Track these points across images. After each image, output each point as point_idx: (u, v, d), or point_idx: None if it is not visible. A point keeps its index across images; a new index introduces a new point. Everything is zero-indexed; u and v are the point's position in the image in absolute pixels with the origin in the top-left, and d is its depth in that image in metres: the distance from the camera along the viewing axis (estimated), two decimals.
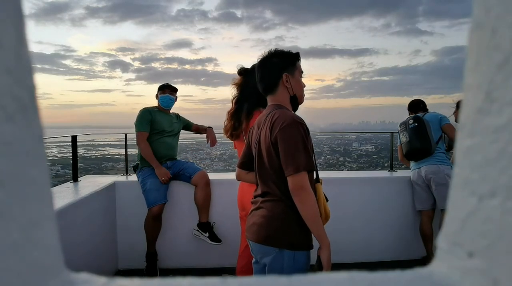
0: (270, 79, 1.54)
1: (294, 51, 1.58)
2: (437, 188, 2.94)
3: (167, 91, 3.05)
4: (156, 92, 3.10)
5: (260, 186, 1.54)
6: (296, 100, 1.57)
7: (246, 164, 1.70)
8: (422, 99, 3.29)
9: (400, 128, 3.18)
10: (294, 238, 1.42)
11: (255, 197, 1.58)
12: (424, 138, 2.95)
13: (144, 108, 3.04)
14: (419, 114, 3.15)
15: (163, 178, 2.85)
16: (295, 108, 1.59)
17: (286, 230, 1.42)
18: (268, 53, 1.57)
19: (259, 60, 1.59)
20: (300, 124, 1.40)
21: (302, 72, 1.60)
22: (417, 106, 3.28)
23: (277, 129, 1.40)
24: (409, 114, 3.29)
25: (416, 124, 3.00)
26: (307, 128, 1.43)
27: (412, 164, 3.20)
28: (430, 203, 3.08)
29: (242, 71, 1.99)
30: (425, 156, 2.98)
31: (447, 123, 3.01)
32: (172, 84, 3.11)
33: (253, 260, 1.59)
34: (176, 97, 3.14)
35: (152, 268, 2.94)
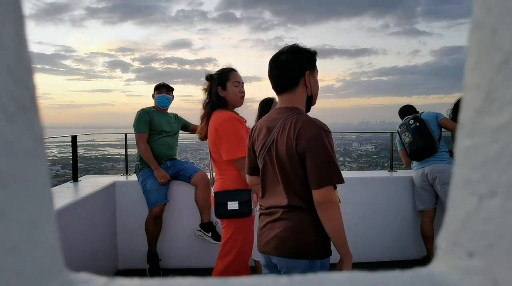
0: (291, 76, 1.41)
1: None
2: (442, 187, 2.93)
3: (163, 91, 3.05)
4: (153, 92, 3.11)
5: (277, 196, 1.41)
6: (310, 101, 1.47)
7: (255, 169, 1.58)
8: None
9: (401, 129, 3.15)
10: (322, 247, 1.37)
11: (269, 208, 1.45)
12: (428, 136, 2.95)
13: (142, 109, 3.04)
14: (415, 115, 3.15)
15: (162, 180, 2.85)
16: (307, 109, 1.49)
17: (315, 241, 1.36)
18: (288, 48, 1.43)
19: (275, 55, 1.45)
20: (328, 134, 1.32)
21: (317, 71, 1.49)
22: (406, 112, 3.32)
23: (304, 139, 1.29)
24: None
25: (418, 123, 3.00)
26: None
27: (414, 164, 3.18)
28: (432, 203, 3.08)
29: (209, 77, 2.09)
30: (430, 154, 2.98)
31: (443, 118, 3.03)
32: (172, 84, 3.10)
33: (265, 272, 1.50)
34: (173, 96, 3.13)
35: (154, 269, 2.94)
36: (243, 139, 1.87)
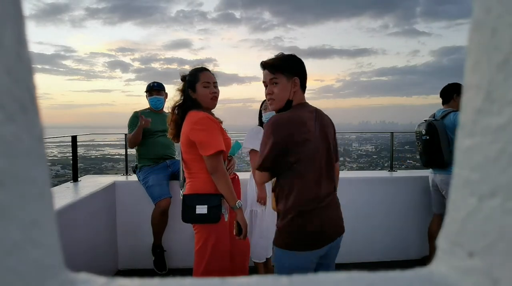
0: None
1: (293, 51, 1.64)
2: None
3: (154, 93, 3.10)
4: (146, 93, 3.15)
5: (327, 184, 1.57)
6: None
7: (272, 169, 1.54)
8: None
9: (416, 134, 2.99)
10: None
11: (323, 197, 1.52)
12: (436, 153, 2.76)
13: (135, 111, 3.10)
14: (440, 112, 2.87)
15: (144, 122, 2.86)
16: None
17: None
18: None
19: (294, 55, 1.62)
20: None
21: None
22: (449, 92, 2.89)
23: (333, 126, 1.70)
24: (442, 104, 2.96)
25: (428, 137, 2.80)
26: None
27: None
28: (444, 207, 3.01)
29: (183, 78, 2.02)
30: (439, 167, 2.86)
31: None
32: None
33: (309, 265, 1.52)
34: (166, 94, 3.17)
35: (160, 261, 2.95)
36: (219, 135, 1.85)
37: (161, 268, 2.96)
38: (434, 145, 2.77)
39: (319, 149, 1.52)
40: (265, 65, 1.60)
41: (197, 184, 1.91)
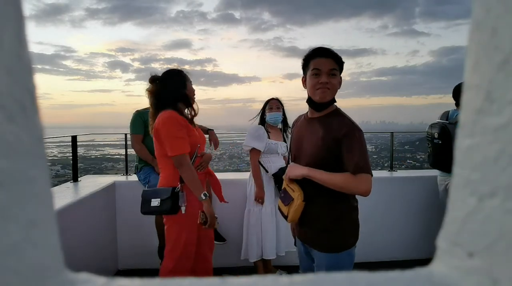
0: None
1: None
2: None
3: None
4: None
5: None
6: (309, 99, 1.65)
7: None
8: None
9: (427, 135, 2.88)
10: None
11: None
12: (446, 158, 2.68)
13: (137, 111, 3.08)
14: (455, 114, 2.75)
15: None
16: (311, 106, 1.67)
17: None
18: None
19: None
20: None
21: (311, 68, 1.57)
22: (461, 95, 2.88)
23: None
24: (455, 105, 2.85)
25: (440, 141, 2.69)
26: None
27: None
28: None
29: (155, 79, 2.12)
30: (449, 171, 2.75)
31: None
32: None
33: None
34: None
35: None
36: (182, 138, 1.97)
37: None
38: (446, 150, 2.67)
39: None
40: (331, 53, 1.53)
41: (162, 179, 2.07)
